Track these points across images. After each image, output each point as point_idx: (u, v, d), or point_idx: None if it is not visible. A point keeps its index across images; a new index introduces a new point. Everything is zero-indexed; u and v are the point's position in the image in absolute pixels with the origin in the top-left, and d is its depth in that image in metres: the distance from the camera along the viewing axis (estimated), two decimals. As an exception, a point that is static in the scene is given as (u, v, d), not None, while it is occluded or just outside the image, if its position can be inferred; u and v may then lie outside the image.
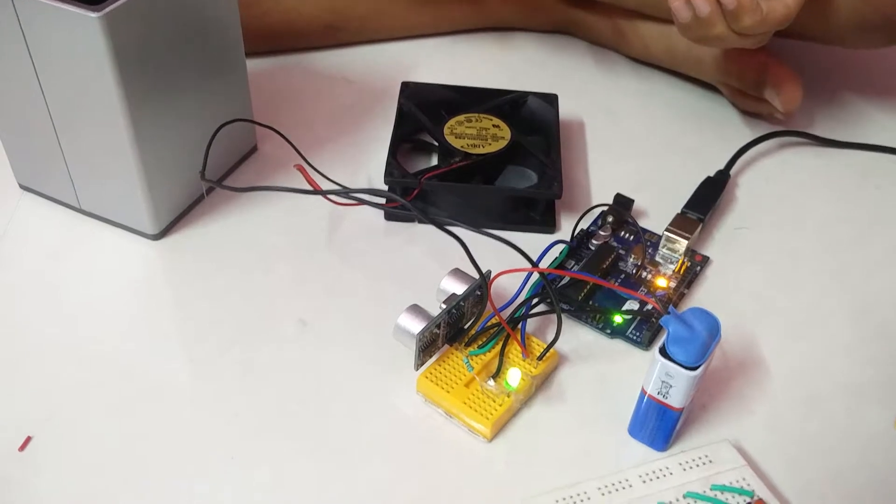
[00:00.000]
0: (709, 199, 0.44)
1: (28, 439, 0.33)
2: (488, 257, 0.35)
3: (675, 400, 0.31)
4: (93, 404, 0.34)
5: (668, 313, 0.30)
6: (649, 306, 0.38)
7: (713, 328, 0.31)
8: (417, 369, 0.35)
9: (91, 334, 0.37)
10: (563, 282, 0.39)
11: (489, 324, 0.36)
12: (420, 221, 0.43)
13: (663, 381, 0.31)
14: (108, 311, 0.38)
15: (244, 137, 0.45)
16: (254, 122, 0.43)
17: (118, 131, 0.36)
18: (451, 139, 0.43)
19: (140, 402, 0.34)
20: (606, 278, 0.40)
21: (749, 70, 0.49)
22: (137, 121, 0.36)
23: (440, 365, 0.35)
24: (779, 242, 0.44)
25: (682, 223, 0.41)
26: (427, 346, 0.35)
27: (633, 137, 0.50)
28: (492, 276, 0.36)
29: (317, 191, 0.37)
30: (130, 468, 0.32)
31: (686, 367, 0.30)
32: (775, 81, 0.48)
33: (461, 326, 0.36)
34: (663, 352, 0.31)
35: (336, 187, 0.39)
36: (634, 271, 0.40)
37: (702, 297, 0.40)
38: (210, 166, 0.40)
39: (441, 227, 0.35)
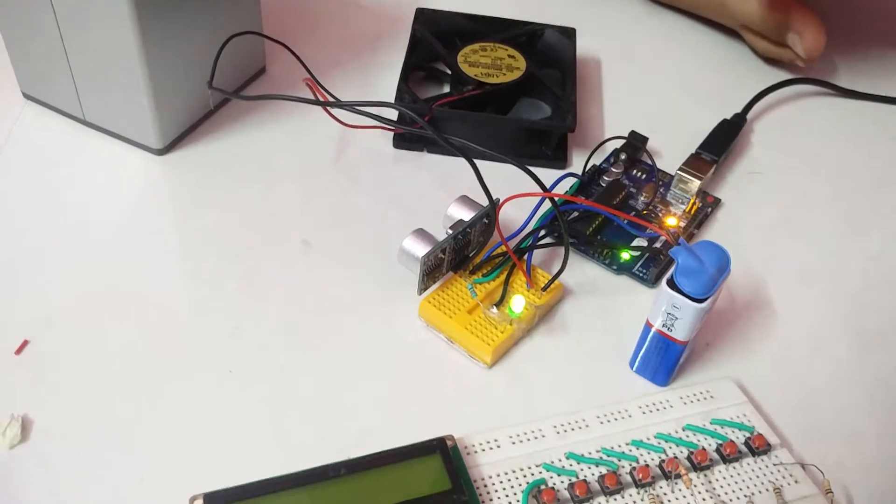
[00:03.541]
0: (724, 141, 0.43)
1: (25, 343, 0.32)
2: (497, 187, 0.34)
3: (680, 333, 0.31)
4: (91, 312, 0.34)
5: (679, 244, 0.30)
6: (658, 243, 0.37)
7: (723, 261, 0.30)
8: (420, 294, 0.34)
9: (92, 244, 0.36)
10: (572, 215, 0.38)
11: (495, 253, 0.36)
12: (429, 148, 0.42)
13: (669, 314, 0.31)
14: (110, 222, 0.37)
15: (253, 56, 0.44)
16: (264, 36, 0.42)
17: (125, 38, 0.35)
18: (464, 67, 0.42)
19: (138, 311, 0.34)
20: (617, 213, 0.39)
21: (772, 13, 0.48)
22: (146, 27, 0.35)
23: (443, 291, 0.35)
24: (792, 188, 0.43)
25: (695, 163, 0.41)
26: (431, 271, 0.34)
27: (650, 77, 0.49)
28: (500, 203, 0.35)
29: (328, 102, 0.36)
30: (127, 376, 0.32)
31: (693, 299, 0.30)
32: (799, 26, 0.47)
33: (466, 254, 0.36)
34: (671, 283, 0.30)
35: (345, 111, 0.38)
36: (644, 209, 0.40)
37: (711, 237, 0.39)
38: (218, 83, 0.39)
39: (455, 148, 0.34)
